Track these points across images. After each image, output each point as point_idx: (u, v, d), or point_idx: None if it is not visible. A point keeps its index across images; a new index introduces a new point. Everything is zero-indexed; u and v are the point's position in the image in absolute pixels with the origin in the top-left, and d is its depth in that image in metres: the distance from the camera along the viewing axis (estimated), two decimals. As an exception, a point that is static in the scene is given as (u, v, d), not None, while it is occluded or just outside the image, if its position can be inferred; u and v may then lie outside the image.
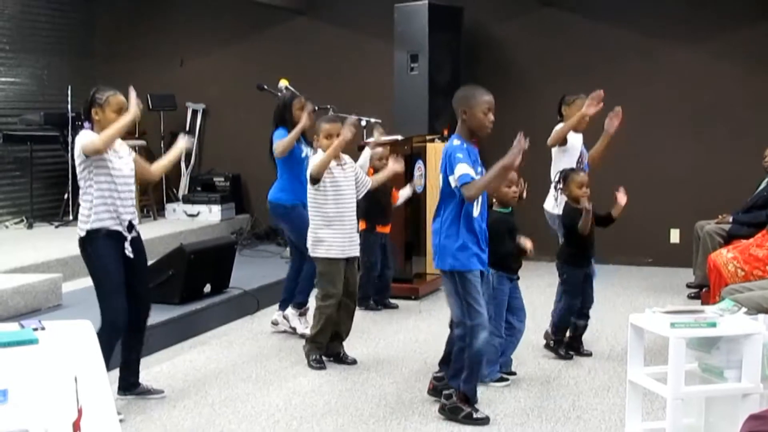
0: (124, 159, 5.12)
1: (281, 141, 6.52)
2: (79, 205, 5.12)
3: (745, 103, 9.19)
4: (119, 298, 5.03)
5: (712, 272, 6.52)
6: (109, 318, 4.99)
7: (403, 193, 7.43)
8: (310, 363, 5.98)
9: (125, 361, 5.29)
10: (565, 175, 6.13)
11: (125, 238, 5.07)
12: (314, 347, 6.01)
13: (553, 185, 6.39)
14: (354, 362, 6.07)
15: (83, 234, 5.03)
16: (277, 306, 7.00)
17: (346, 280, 5.98)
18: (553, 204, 6.48)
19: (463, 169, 4.74)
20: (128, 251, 5.08)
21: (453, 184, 4.80)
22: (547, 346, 6.19)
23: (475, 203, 4.84)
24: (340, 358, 6.08)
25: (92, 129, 5.04)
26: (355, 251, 6.04)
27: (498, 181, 4.97)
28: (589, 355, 6.19)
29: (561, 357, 6.12)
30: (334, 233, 5.86)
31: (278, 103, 6.80)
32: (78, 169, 5.04)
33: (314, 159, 5.90)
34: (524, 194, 5.72)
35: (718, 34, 9.31)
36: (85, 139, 4.95)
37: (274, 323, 6.95)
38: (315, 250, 5.91)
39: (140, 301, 5.21)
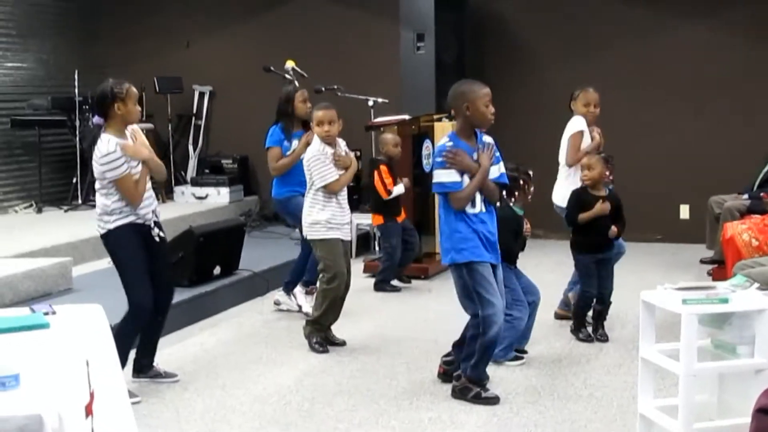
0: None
1: (282, 163, 6.68)
2: (89, 188, 5.10)
3: (750, 76, 9.11)
4: (145, 284, 5.06)
5: (728, 246, 6.43)
6: (137, 303, 5.03)
7: (397, 189, 7.55)
8: (312, 346, 5.95)
9: (141, 343, 5.31)
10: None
11: (149, 227, 5.09)
12: (316, 329, 5.98)
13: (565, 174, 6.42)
14: (343, 343, 6.05)
15: (104, 232, 5.05)
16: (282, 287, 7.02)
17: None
18: (562, 197, 6.42)
19: (438, 176, 4.80)
20: (156, 237, 5.11)
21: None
22: (571, 330, 6.14)
23: (469, 204, 4.81)
24: (329, 341, 6.05)
25: (105, 123, 4.97)
26: (349, 235, 6.11)
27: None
28: (606, 340, 6.03)
29: (580, 340, 6.04)
30: (332, 215, 5.87)
31: (281, 96, 6.88)
32: (97, 171, 4.98)
33: (316, 166, 5.85)
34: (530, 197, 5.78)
35: (722, 7, 9.23)
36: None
37: (277, 303, 6.99)
38: (312, 233, 5.90)
39: (162, 286, 5.22)
